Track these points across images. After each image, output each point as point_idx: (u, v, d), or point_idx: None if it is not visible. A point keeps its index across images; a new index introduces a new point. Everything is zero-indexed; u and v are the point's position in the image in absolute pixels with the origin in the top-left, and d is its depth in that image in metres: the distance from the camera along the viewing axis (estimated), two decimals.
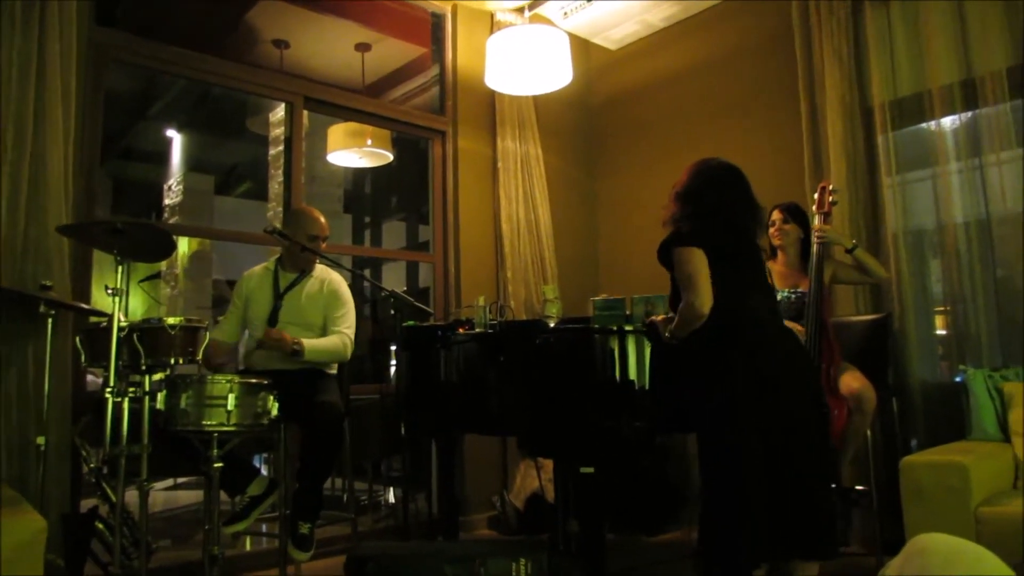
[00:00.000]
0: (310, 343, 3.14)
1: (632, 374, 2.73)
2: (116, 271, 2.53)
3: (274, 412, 2.67)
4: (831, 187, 3.31)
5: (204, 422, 2.51)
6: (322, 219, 3.38)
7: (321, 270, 3.41)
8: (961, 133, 3.49)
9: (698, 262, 2.36)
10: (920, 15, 3.59)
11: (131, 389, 2.53)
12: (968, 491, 2.58)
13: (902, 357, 3.53)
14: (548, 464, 3.97)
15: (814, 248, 3.25)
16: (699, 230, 2.43)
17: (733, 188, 2.53)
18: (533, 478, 4.13)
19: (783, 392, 2.32)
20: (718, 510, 2.27)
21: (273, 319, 3.24)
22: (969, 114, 3.45)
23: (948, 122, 3.51)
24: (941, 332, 3.68)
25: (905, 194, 3.67)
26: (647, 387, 2.74)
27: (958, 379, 3.26)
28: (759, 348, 2.35)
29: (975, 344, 3.38)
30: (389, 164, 6.14)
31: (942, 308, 3.64)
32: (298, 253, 3.29)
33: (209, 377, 2.58)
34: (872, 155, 3.74)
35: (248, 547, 3.93)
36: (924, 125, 3.61)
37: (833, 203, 3.30)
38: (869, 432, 3.16)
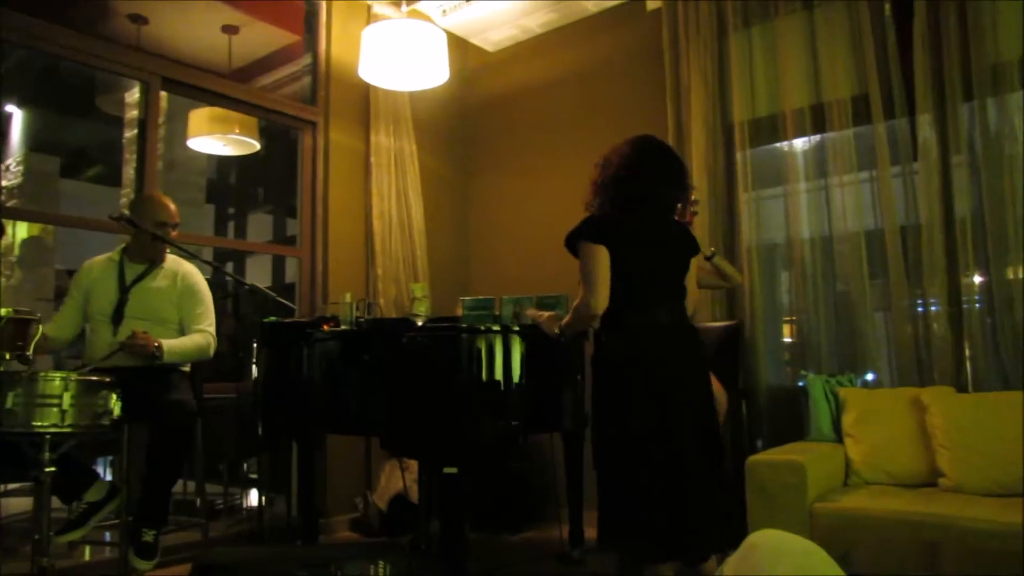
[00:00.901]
0: (170, 344, 2.96)
1: (499, 374, 2.74)
2: None
3: (116, 412, 2.50)
4: (693, 198, 3.45)
5: (35, 422, 2.30)
6: (172, 205, 3.18)
7: (173, 261, 3.22)
8: (810, 154, 3.75)
9: (600, 260, 2.30)
10: (777, 42, 3.83)
11: None
12: (804, 488, 2.77)
13: (751, 362, 3.74)
14: (413, 464, 3.94)
15: None
16: (612, 222, 2.36)
17: (663, 174, 2.43)
18: (398, 479, 4.08)
19: (677, 397, 2.30)
20: (616, 509, 2.29)
21: (118, 314, 3.02)
22: (818, 137, 3.71)
23: (799, 143, 3.76)
24: (788, 340, 3.93)
25: (759, 209, 3.89)
26: (513, 387, 2.76)
27: (800, 384, 3.49)
28: (656, 362, 2.32)
29: (815, 351, 3.62)
30: (256, 154, 5.89)
31: (789, 318, 3.89)
32: (147, 242, 3.09)
33: (41, 374, 2.37)
34: (731, 171, 3.95)
35: (87, 557, 3.66)
36: (778, 145, 3.84)
37: (694, 213, 3.45)
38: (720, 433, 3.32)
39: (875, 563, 2.45)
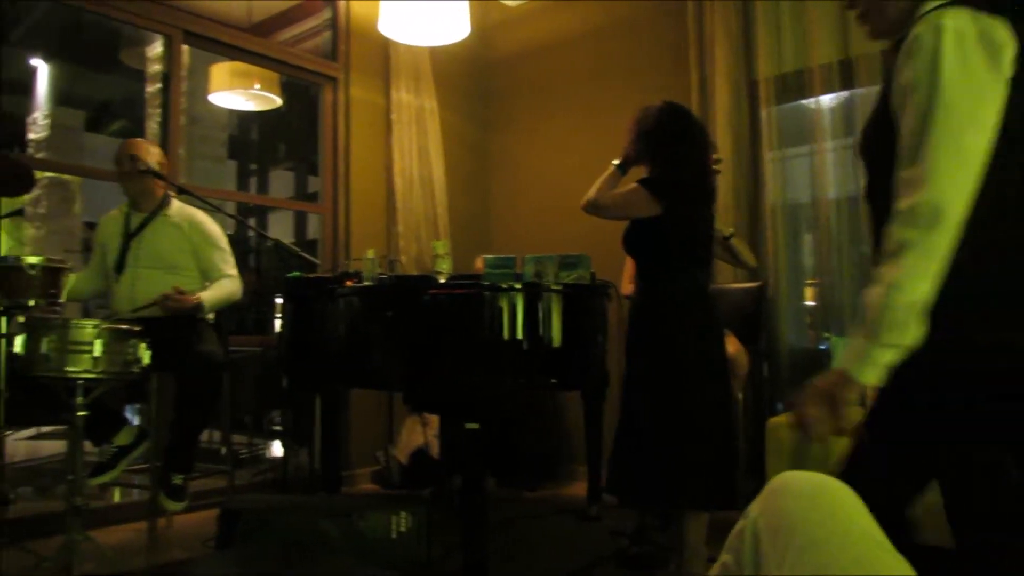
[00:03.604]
0: (209, 297, 3.00)
1: (520, 333, 2.75)
2: None
3: (145, 360, 2.54)
4: (716, 156, 3.41)
5: (68, 368, 2.36)
6: (143, 147, 3.16)
7: (179, 208, 3.21)
8: (838, 111, 3.68)
9: (645, 208, 2.48)
10: None
11: None
12: (826, 450, 2.76)
13: (774, 324, 3.73)
14: (434, 419, 3.99)
15: None
16: (678, 183, 2.51)
17: (704, 136, 2.67)
18: (418, 433, 4.13)
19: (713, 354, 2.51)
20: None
21: (121, 263, 3.06)
22: (846, 93, 3.64)
23: (827, 100, 3.69)
24: (811, 303, 3.91)
25: (784, 169, 3.84)
26: (535, 345, 2.78)
27: (823, 347, 3.47)
28: (701, 324, 2.49)
29: (839, 314, 3.59)
30: (278, 110, 5.89)
31: (812, 280, 3.86)
32: (131, 186, 3.10)
33: (74, 321, 2.42)
34: (755, 129, 3.89)
35: (117, 499, 3.77)
36: (804, 102, 3.78)
37: (717, 172, 3.41)
38: (741, 394, 3.33)
39: None
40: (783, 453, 2.84)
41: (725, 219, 3.57)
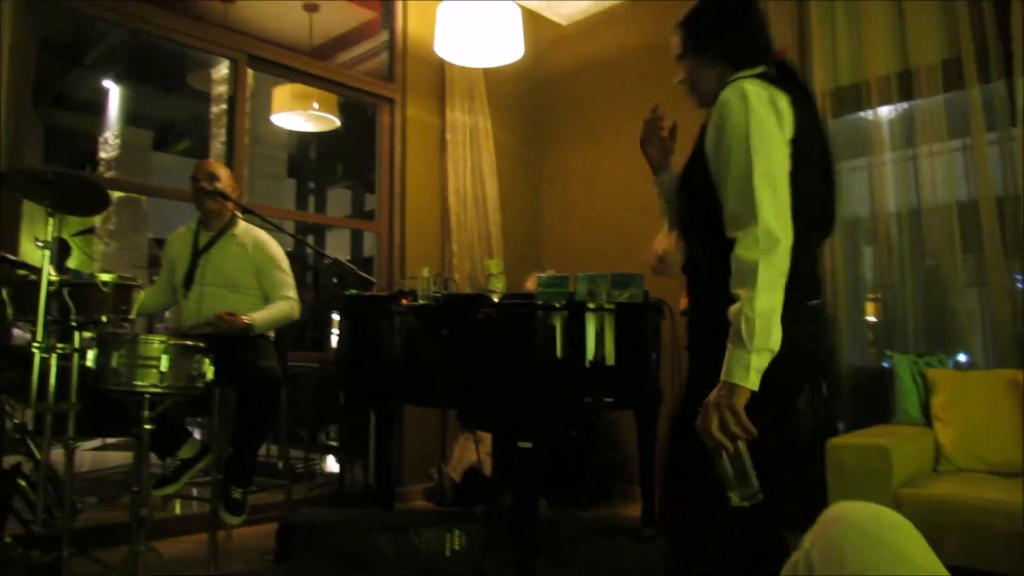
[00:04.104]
0: (260, 318, 3.05)
1: (573, 352, 2.75)
2: (46, 223, 2.43)
3: (209, 375, 2.61)
4: None
5: (136, 382, 2.43)
6: (212, 169, 3.24)
7: (245, 229, 3.29)
8: (896, 123, 3.60)
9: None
10: (861, 6, 3.68)
11: (59, 345, 2.45)
12: (889, 472, 2.68)
13: (832, 341, 3.64)
14: (487, 437, 4.00)
15: None
16: None
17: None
18: (471, 451, 4.15)
19: None
20: None
21: (189, 280, 3.14)
22: (905, 105, 3.56)
23: (885, 112, 3.62)
24: (871, 319, 3.81)
25: (842, 182, 3.77)
26: (588, 364, 2.77)
27: (885, 364, 3.38)
28: None
29: (902, 331, 3.50)
30: (335, 130, 6.02)
31: (872, 295, 3.76)
32: (203, 205, 3.18)
33: (142, 337, 2.51)
34: None
35: (178, 511, 3.86)
36: (861, 114, 3.70)
37: None
38: None
39: (965, 554, 2.36)
40: (844, 474, 2.76)
41: None
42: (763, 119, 1.53)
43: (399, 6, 4.66)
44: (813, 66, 3.80)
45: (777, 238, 1.46)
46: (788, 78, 1.67)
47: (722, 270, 1.53)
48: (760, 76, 1.64)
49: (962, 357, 3.36)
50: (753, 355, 1.42)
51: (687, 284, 1.94)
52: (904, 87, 3.54)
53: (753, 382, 1.43)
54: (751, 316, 1.43)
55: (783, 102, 1.57)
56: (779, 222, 1.48)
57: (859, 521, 1.01)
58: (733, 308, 1.47)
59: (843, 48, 3.75)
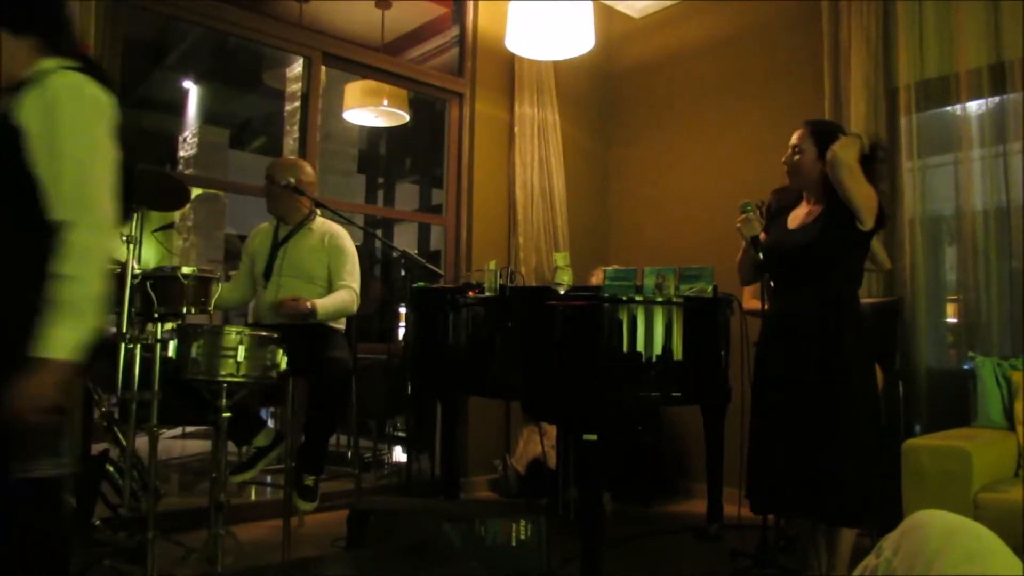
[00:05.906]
0: (322, 304, 3.10)
1: (640, 346, 2.74)
2: (130, 219, 2.54)
3: (283, 366, 2.69)
4: None
5: (215, 372, 2.52)
6: (292, 165, 3.32)
7: (321, 223, 3.36)
8: (986, 119, 3.45)
9: (871, 219, 2.48)
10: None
11: (142, 336, 2.56)
12: (969, 476, 2.59)
13: (910, 342, 3.53)
14: (551, 430, 4.01)
15: None
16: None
17: None
18: (536, 443, 4.17)
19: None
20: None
21: (268, 271, 3.23)
22: (996, 99, 3.41)
23: (974, 106, 3.47)
24: (951, 320, 3.67)
25: (925, 179, 3.63)
26: (655, 358, 2.75)
27: (966, 366, 3.25)
28: None
29: (985, 332, 3.37)
30: (404, 125, 6.10)
31: (954, 296, 3.62)
32: (278, 199, 3.25)
33: (221, 328, 2.60)
34: (894, 137, 3.70)
35: (253, 497, 4.00)
36: (948, 109, 3.56)
37: None
38: None
39: None
40: (921, 477, 2.68)
41: None
42: (91, 116, 1.53)
43: (471, 2, 4.69)
44: (897, 59, 3.67)
45: (109, 228, 1.54)
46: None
47: None
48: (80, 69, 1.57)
49: None
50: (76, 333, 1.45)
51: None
52: (996, 80, 3.38)
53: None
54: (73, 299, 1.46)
55: (105, 99, 1.56)
56: (112, 213, 1.54)
57: (942, 530, 0.99)
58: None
59: (931, 40, 3.60)
